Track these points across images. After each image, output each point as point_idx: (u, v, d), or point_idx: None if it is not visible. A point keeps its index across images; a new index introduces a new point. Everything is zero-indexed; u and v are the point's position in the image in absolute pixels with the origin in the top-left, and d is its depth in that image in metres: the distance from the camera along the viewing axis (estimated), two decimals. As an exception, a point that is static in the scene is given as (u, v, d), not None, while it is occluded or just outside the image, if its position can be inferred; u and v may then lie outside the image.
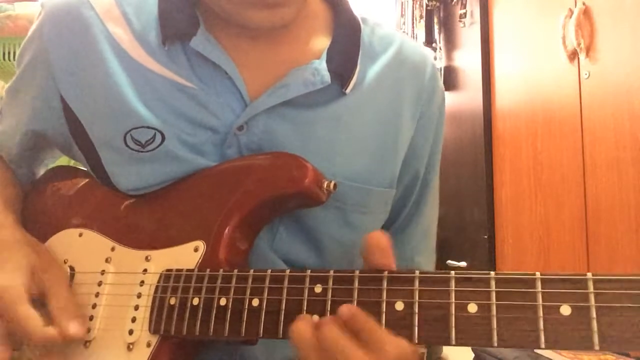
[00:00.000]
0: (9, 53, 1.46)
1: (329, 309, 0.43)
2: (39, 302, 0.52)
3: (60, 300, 0.52)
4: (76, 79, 0.59)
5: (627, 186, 1.65)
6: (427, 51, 0.71)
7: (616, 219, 1.68)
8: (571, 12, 1.84)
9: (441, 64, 2.61)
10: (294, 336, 0.42)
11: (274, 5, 0.52)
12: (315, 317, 0.43)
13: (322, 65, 0.58)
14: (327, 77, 0.57)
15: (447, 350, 1.79)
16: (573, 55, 1.85)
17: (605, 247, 1.71)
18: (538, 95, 2.06)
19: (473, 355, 1.41)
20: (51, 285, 0.53)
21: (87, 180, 0.64)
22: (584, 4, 1.80)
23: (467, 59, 2.49)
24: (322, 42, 0.61)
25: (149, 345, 0.50)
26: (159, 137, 0.55)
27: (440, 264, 2.22)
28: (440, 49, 2.63)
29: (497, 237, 2.25)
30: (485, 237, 2.26)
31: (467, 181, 2.38)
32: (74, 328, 0.50)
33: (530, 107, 2.09)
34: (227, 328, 0.46)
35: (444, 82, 2.55)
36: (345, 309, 0.41)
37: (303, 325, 0.42)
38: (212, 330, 0.47)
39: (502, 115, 2.27)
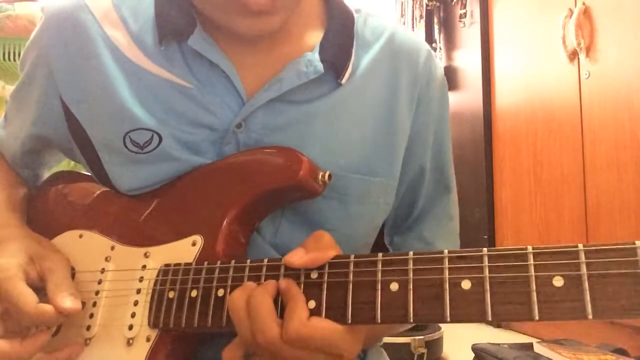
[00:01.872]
0: (9, 53, 1.46)
1: (325, 294, 0.43)
2: (40, 288, 0.52)
3: (56, 279, 0.53)
4: (76, 82, 0.59)
5: (627, 186, 1.65)
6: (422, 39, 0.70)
7: (616, 219, 1.68)
8: (571, 12, 1.84)
9: (441, 64, 2.62)
10: (229, 302, 0.44)
11: (260, 13, 0.52)
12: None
13: (315, 56, 0.58)
14: (320, 67, 0.57)
15: (447, 350, 1.80)
16: (573, 55, 1.85)
17: (605, 247, 1.71)
18: (538, 95, 2.06)
19: (473, 355, 1.41)
20: (49, 267, 0.54)
21: (87, 183, 0.64)
22: (584, 4, 1.81)
23: (467, 59, 2.50)
24: (316, 35, 0.61)
25: (148, 339, 0.50)
26: (156, 139, 0.56)
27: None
28: (440, 49, 2.64)
29: (497, 237, 2.25)
30: (485, 237, 2.26)
31: (467, 181, 2.38)
32: (67, 302, 0.50)
33: (530, 107, 2.10)
34: (224, 318, 0.46)
35: (444, 83, 2.55)
36: (283, 282, 0.44)
37: (239, 292, 0.44)
38: (210, 322, 0.47)
39: (502, 115, 2.27)
